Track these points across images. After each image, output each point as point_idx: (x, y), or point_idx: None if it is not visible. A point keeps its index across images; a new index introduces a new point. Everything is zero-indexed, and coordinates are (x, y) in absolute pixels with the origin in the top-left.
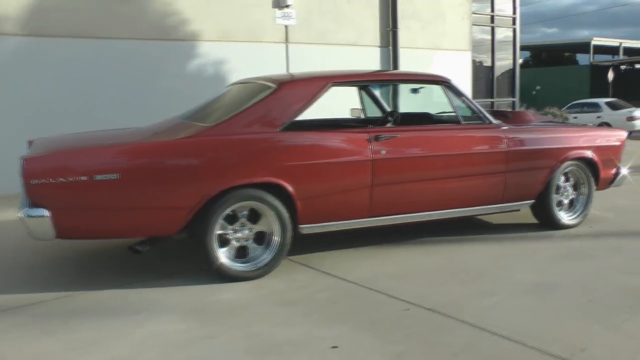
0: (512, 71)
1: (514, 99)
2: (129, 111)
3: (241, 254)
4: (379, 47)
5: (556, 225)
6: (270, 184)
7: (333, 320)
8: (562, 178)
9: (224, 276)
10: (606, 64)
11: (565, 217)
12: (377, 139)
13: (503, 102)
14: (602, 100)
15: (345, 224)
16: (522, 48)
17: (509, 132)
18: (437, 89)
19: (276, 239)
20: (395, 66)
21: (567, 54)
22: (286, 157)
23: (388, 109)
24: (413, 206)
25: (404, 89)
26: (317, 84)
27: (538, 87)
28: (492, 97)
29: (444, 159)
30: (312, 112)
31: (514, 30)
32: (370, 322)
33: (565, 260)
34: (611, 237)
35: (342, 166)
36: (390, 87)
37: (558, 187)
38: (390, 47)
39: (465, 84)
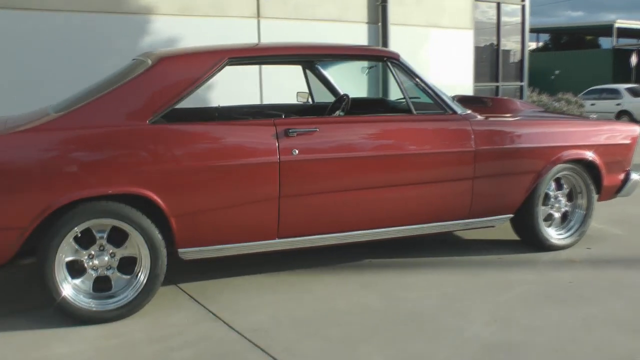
0: (520, 53)
1: (521, 84)
2: (76, 88)
3: (107, 286)
4: (366, 23)
5: (543, 245)
6: (132, 195)
7: None
8: (553, 185)
9: (72, 317)
10: (630, 47)
11: (554, 235)
12: (287, 133)
13: (510, 87)
14: (622, 87)
15: (244, 247)
16: (542, 31)
17: (479, 124)
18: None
19: (144, 268)
20: (385, 45)
21: (588, 37)
22: (156, 159)
23: (341, 92)
24: (340, 224)
25: (341, 67)
26: (206, 59)
27: (557, 72)
28: (497, 81)
29: (383, 160)
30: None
31: (523, 8)
32: None
33: (544, 303)
34: (615, 265)
35: (236, 171)
36: (318, 65)
37: (547, 197)
38: (380, 24)
39: (466, 67)
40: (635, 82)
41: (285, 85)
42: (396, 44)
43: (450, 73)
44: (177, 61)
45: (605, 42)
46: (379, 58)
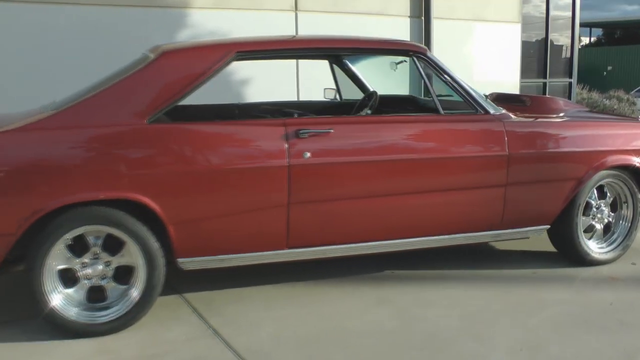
0: (570, 48)
1: (570, 80)
2: None
3: (102, 296)
4: (409, 17)
5: (582, 259)
6: (127, 200)
7: None
8: (595, 193)
9: (61, 329)
10: None
11: (596, 248)
12: (298, 134)
13: (558, 84)
14: None
15: (250, 257)
16: (594, 25)
17: (514, 125)
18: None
19: (140, 278)
20: (428, 40)
21: None
22: (153, 161)
23: (371, 89)
24: (356, 234)
25: (371, 62)
26: (211, 53)
27: (609, 68)
28: (544, 77)
29: (404, 165)
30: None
31: (573, 1)
32: None
33: (580, 328)
34: None
35: (241, 175)
36: (346, 59)
37: (588, 206)
38: (423, 18)
39: (513, 62)
40: None
41: (323, 80)
42: (439, 39)
43: (495, 69)
44: (179, 55)
45: None
46: (404, 52)
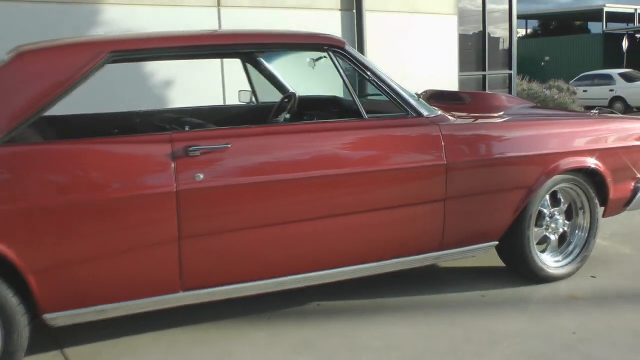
0: (508, 40)
1: (510, 72)
2: None
3: None
4: (340, 10)
5: (536, 275)
6: None
7: None
8: (548, 201)
9: None
10: (620, 32)
11: (551, 262)
12: (187, 152)
13: (498, 76)
14: (615, 72)
15: (136, 305)
16: (530, 17)
17: (451, 129)
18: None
19: None
20: (360, 34)
21: (578, 22)
22: (4, 194)
23: (290, 90)
24: (266, 268)
25: (289, 58)
26: (78, 54)
27: (546, 58)
28: (483, 69)
29: (321, 183)
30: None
31: None
32: None
33: None
34: (628, 302)
35: (118, 207)
36: (249, 57)
37: (540, 215)
38: (354, 11)
39: (451, 55)
40: (627, 67)
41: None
42: (373, 33)
43: (433, 63)
44: (38, 57)
45: (595, 27)
46: (318, 47)
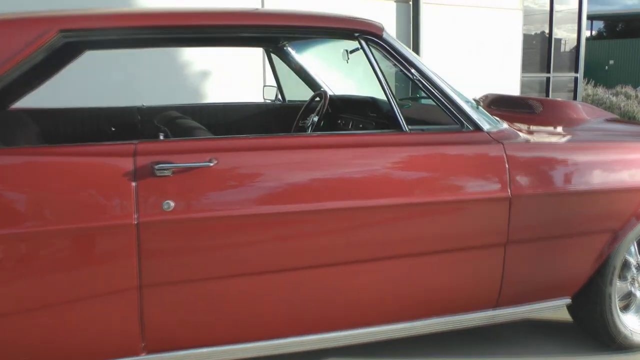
0: (576, 41)
1: (576, 75)
2: None
3: None
4: (395, 1)
5: (615, 341)
6: None
7: None
8: (634, 248)
9: None
10: None
11: (636, 325)
12: (153, 171)
13: (562, 79)
14: None
15: None
16: (595, 18)
17: (521, 149)
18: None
19: None
20: (416, 28)
21: None
22: None
23: (324, 87)
24: (259, 327)
25: (327, 48)
26: (18, 32)
27: (611, 62)
28: (548, 71)
29: (338, 218)
30: None
31: None
32: None
33: None
34: None
35: (61, 243)
36: (275, 46)
37: (625, 266)
38: (411, 3)
39: (514, 54)
40: None
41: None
42: (430, 27)
43: (493, 62)
44: None
45: None
46: (347, 33)
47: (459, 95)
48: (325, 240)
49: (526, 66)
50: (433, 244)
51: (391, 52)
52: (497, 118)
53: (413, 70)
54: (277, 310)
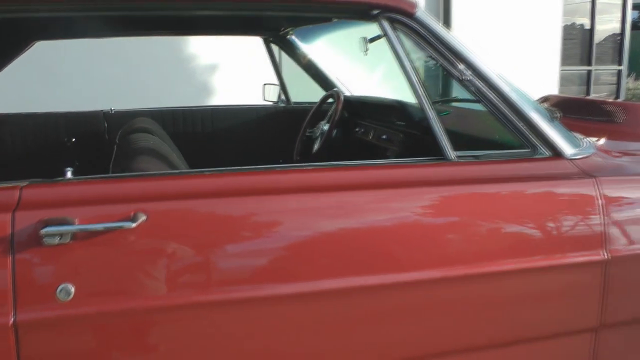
0: (620, 31)
1: (620, 68)
2: None
3: None
4: None
5: None
6: None
7: None
8: None
9: None
10: None
11: None
12: (39, 238)
13: (605, 72)
14: None
15: None
16: (634, 7)
17: (616, 185)
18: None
19: None
20: (447, 12)
21: None
22: None
23: (338, 85)
24: None
25: (339, 36)
26: None
27: None
28: (589, 64)
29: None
30: None
31: None
32: None
33: None
34: None
35: None
36: (292, 36)
37: None
38: None
39: (553, 45)
40: None
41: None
42: (460, 14)
43: (530, 53)
44: None
45: None
46: (363, 10)
47: (530, 103)
48: (313, 337)
49: (565, 59)
50: (488, 335)
51: (428, 38)
52: (577, 134)
53: (462, 67)
54: None
